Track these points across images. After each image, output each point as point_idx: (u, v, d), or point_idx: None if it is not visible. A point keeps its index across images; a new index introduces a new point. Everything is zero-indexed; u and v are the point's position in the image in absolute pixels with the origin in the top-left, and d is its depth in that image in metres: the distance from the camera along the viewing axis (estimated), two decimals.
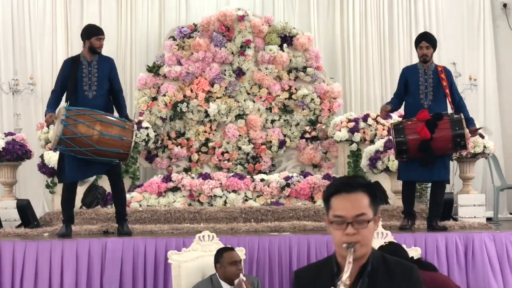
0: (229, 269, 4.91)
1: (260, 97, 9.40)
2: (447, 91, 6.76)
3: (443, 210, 6.98)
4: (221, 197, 8.23)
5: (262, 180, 8.44)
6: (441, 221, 6.81)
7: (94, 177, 7.61)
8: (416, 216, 6.98)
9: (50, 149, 8.13)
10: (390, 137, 7.33)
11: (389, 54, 10.21)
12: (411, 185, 6.91)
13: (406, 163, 6.72)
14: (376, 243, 5.26)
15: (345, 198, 2.50)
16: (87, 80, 6.39)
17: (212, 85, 9.33)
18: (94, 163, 6.35)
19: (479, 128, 7.06)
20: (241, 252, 5.33)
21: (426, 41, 6.86)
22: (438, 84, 6.80)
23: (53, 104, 6.36)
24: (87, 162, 6.29)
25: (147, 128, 8.77)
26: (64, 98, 6.44)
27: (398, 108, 7.11)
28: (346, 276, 2.41)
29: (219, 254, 5.01)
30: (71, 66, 6.42)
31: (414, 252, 5.30)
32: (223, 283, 4.94)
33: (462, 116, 6.61)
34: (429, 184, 7.62)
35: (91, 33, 6.53)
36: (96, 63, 6.48)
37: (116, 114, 6.62)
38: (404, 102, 6.98)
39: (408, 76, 6.89)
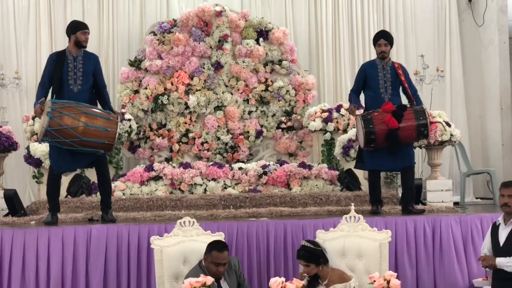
0: (210, 266, 4.96)
1: (238, 89, 9.51)
2: (405, 84, 7.04)
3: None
4: (201, 185, 8.35)
5: (240, 168, 8.55)
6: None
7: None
8: (383, 202, 7.21)
9: (36, 141, 8.13)
10: (355, 128, 7.48)
11: (360, 47, 10.33)
12: (377, 173, 7.11)
13: (372, 152, 6.85)
14: (344, 228, 5.67)
15: None
16: (72, 74, 6.41)
17: (191, 78, 9.41)
18: (80, 156, 6.37)
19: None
20: (220, 237, 5.41)
21: (384, 39, 7.07)
22: (395, 79, 7.04)
23: (41, 96, 6.36)
24: (73, 154, 6.33)
25: (129, 120, 8.85)
26: (50, 91, 6.45)
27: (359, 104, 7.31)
28: None
29: (209, 249, 5.02)
30: (57, 61, 6.42)
31: (385, 235, 5.57)
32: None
33: (424, 107, 6.90)
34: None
35: (77, 27, 6.53)
36: (82, 59, 6.49)
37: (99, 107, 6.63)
38: (364, 96, 7.17)
39: (367, 72, 7.09)
